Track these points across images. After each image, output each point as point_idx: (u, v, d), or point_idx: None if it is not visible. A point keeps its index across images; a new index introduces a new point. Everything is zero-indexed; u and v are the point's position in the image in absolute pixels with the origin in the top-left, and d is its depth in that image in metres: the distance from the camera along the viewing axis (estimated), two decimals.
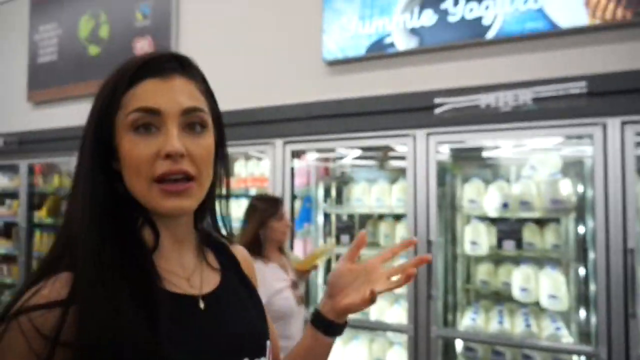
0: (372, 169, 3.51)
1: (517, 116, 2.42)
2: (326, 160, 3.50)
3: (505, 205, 2.71)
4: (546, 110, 2.38)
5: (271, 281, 2.08)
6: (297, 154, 3.07)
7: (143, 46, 3.72)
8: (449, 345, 2.99)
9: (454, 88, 2.59)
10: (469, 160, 3.21)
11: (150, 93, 0.63)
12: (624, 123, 2.27)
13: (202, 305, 0.68)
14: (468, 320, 2.81)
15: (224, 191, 0.77)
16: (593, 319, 2.38)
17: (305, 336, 0.86)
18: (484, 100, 2.49)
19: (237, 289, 0.78)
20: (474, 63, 2.70)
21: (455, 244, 3.09)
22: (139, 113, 0.63)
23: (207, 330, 0.67)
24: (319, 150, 3.14)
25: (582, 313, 2.68)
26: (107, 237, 0.62)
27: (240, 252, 0.86)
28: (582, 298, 2.69)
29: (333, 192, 3.49)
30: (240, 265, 0.83)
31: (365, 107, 2.82)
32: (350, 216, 3.49)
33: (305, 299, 2.58)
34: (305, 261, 2.49)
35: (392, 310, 3.07)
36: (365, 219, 3.53)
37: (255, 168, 3.35)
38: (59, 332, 0.54)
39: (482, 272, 3.05)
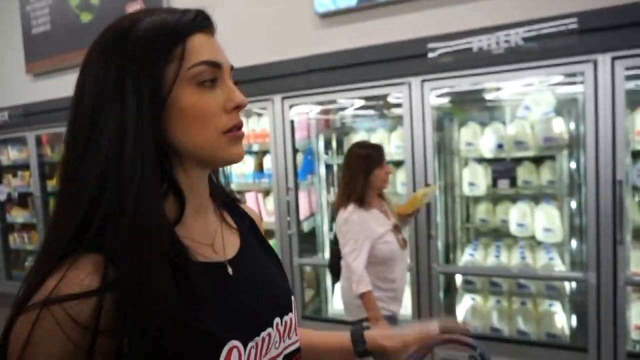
0: (372, 118, 3.57)
1: (509, 58, 2.45)
2: (326, 112, 3.56)
3: (500, 146, 2.80)
4: (537, 50, 2.41)
5: (374, 227, 2.10)
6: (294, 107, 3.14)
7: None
8: (450, 281, 3.18)
9: (446, 33, 2.61)
10: (465, 104, 3.27)
11: (209, 47, 0.63)
12: (614, 59, 2.30)
13: (230, 270, 0.68)
14: (467, 256, 2.99)
15: None
16: (584, 248, 2.53)
17: (337, 344, 0.91)
18: (476, 43, 2.52)
19: (256, 248, 0.78)
20: (464, 7, 2.69)
21: (454, 186, 3.21)
22: (205, 66, 0.62)
23: (238, 296, 0.66)
24: (318, 104, 3.20)
25: (574, 243, 2.84)
26: (159, 210, 0.58)
27: (250, 210, 0.86)
28: (575, 229, 2.83)
29: (334, 144, 3.58)
30: (255, 223, 0.83)
31: (359, 57, 2.84)
32: None
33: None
34: (408, 204, 2.39)
35: None
36: None
37: (256, 124, 3.43)
38: (98, 321, 0.52)
39: (481, 211, 3.19)
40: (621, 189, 2.33)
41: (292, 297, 0.77)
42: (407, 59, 2.72)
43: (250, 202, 3.45)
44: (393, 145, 3.19)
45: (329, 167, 3.56)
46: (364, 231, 2.07)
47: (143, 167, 0.57)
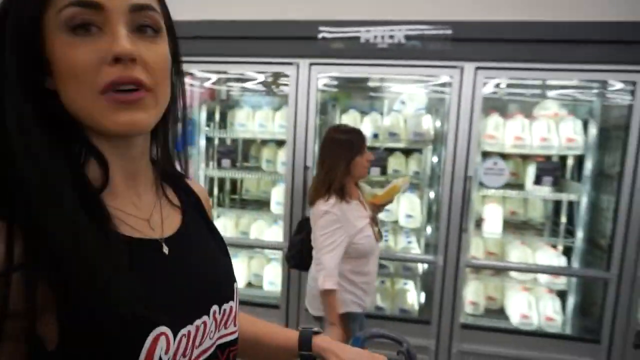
0: (260, 94, 3.53)
1: (392, 53, 2.61)
2: (211, 82, 3.41)
3: (375, 136, 2.99)
4: (416, 49, 2.60)
5: (354, 220, 1.96)
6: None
7: None
8: None
9: (338, 20, 2.67)
10: (350, 90, 3.40)
11: None
12: (477, 68, 2.59)
13: (165, 250, 0.60)
14: None
15: (179, 115, 0.65)
16: (437, 234, 2.85)
17: (283, 342, 0.84)
18: (364, 34, 2.62)
19: (200, 228, 0.70)
20: None
21: None
22: (74, 7, 0.50)
23: (173, 277, 0.59)
24: (204, 71, 3.06)
25: (429, 229, 3.18)
26: (49, 174, 0.50)
27: (197, 186, 0.77)
28: (432, 217, 3.17)
29: (217, 116, 3.46)
30: (201, 201, 0.75)
31: (250, 31, 2.77)
32: (234, 140, 3.53)
33: None
34: (386, 194, 2.30)
35: (270, 230, 3.29)
36: (248, 144, 3.60)
37: None
38: (6, 304, 0.45)
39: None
40: (470, 184, 2.66)
41: (235, 284, 0.70)
42: (297, 40, 2.73)
43: None
44: (277, 124, 3.20)
45: (210, 140, 3.44)
46: (345, 227, 1.93)
47: (23, 130, 0.49)
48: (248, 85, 3.38)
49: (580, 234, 2.98)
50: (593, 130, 2.89)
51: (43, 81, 0.53)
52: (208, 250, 0.69)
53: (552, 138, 2.77)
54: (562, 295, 3.06)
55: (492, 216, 3.01)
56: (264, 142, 3.46)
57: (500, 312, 3.10)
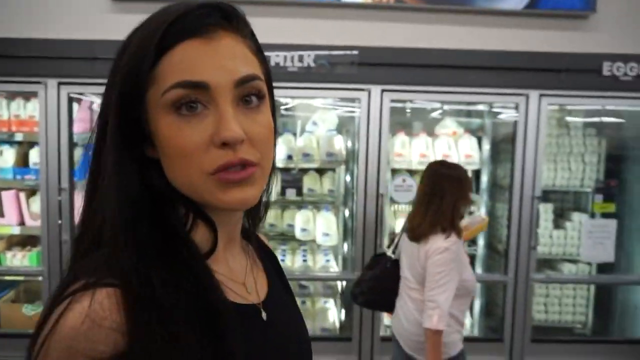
0: None
1: (302, 76, 2.66)
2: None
3: (289, 157, 3.01)
4: (325, 73, 2.68)
5: (462, 257, 1.85)
6: (75, 98, 2.75)
7: None
8: None
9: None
10: None
11: (192, 60, 0.48)
12: (383, 91, 2.73)
13: (264, 315, 0.59)
14: None
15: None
16: (354, 250, 2.92)
17: None
18: (274, 58, 2.65)
19: (280, 286, 0.69)
20: (265, 20, 2.80)
21: None
22: (180, 90, 0.47)
23: (273, 344, 0.59)
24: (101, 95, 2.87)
25: (346, 246, 3.25)
26: (150, 246, 0.49)
27: (264, 238, 0.75)
28: (348, 234, 3.25)
29: None
30: (275, 256, 0.74)
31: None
32: None
33: None
34: (475, 230, 2.26)
35: None
36: None
37: (21, 110, 2.87)
38: None
39: (270, 216, 3.36)
40: (382, 201, 2.78)
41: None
42: None
43: (9, 202, 2.86)
44: None
45: None
46: (459, 265, 1.81)
47: (125, 208, 0.49)
48: None
49: (481, 241, 3.24)
50: (486, 146, 3.17)
51: (144, 149, 0.52)
52: (292, 311, 0.68)
53: (452, 154, 3.00)
54: None
55: None
56: None
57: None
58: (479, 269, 3.26)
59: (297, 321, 0.67)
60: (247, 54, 0.52)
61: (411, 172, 3.09)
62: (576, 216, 3.27)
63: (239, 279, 0.59)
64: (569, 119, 3.21)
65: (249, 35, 0.54)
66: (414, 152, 3.01)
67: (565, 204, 3.50)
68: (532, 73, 2.71)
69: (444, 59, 2.68)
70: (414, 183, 2.91)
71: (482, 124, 3.29)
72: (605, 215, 3.07)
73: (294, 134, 3.27)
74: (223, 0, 0.52)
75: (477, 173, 3.28)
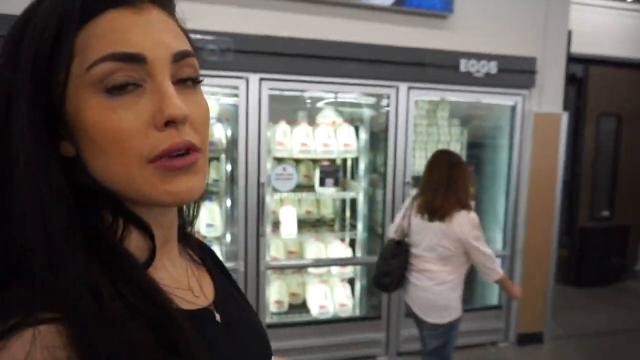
0: None
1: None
2: None
3: None
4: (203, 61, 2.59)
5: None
6: None
7: None
8: None
9: None
10: None
11: (123, 30, 0.41)
12: (261, 79, 2.73)
13: (217, 317, 0.54)
14: None
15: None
16: (236, 240, 2.90)
17: None
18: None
19: (226, 284, 0.64)
20: None
21: None
22: (111, 63, 0.40)
23: (231, 346, 0.54)
24: None
25: (229, 236, 3.22)
26: (92, 266, 0.40)
27: (199, 235, 0.68)
28: (230, 224, 3.21)
29: None
30: (213, 251, 0.68)
31: None
32: None
33: None
34: None
35: None
36: None
37: None
38: None
39: None
40: (263, 189, 2.79)
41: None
42: None
43: None
44: None
45: None
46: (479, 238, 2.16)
47: (44, 211, 0.40)
48: None
49: (360, 226, 3.41)
50: (363, 135, 3.34)
51: (58, 148, 0.43)
52: (244, 307, 0.64)
53: (332, 143, 3.11)
54: (351, 282, 3.45)
55: (288, 218, 3.21)
56: None
57: (303, 306, 3.34)
58: (359, 252, 3.43)
59: (250, 316, 0.64)
60: (179, 30, 0.47)
61: (297, 161, 3.15)
62: None
63: (183, 285, 0.53)
64: (435, 110, 3.50)
65: (174, 14, 0.49)
66: (295, 140, 3.06)
67: None
68: (401, 66, 2.90)
69: (321, 50, 2.75)
70: (294, 172, 2.96)
71: (359, 113, 3.45)
72: None
73: None
74: None
75: (355, 161, 3.44)
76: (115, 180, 0.44)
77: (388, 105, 3.00)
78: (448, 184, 2.14)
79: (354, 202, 3.49)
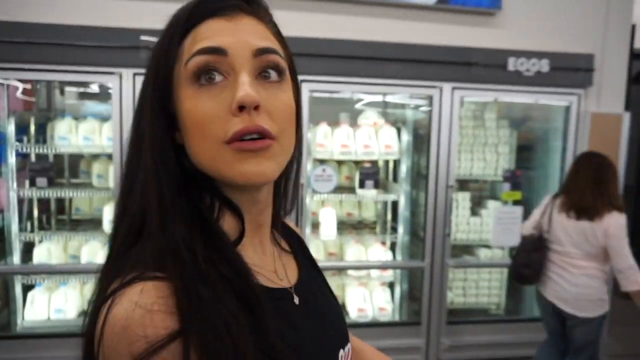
0: (84, 104, 3.25)
1: None
2: (25, 91, 3.04)
3: None
4: None
5: None
6: None
7: None
8: None
9: (161, 30, 2.59)
10: None
11: (214, 32, 0.50)
12: (301, 81, 2.75)
13: (296, 300, 0.59)
14: None
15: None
16: None
17: None
18: None
19: (311, 272, 0.68)
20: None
21: None
22: (200, 56, 0.49)
23: (306, 328, 0.58)
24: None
25: None
26: (193, 230, 0.49)
27: (292, 224, 0.74)
28: None
29: (32, 128, 3.09)
30: (304, 242, 0.73)
31: (65, 37, 2.54)
32: (58, 156, 3.19)
33: None
34: None
35: (104, 251, 3.04)
36: (75, 158, 3.29)
37: None
38: None
39: None
40: (303, 191, 2.80)
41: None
42: (118, 49, 2.58)
43: None
44: (105, 137, 2.97)
45: (25, 157, 3.05)
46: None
47: (160, 188, 0.50)
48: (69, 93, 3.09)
49: (401, 229, 3.35)
50: (406, 137, 3.27)
51: (174, 137, 0.53)
52: (325, 294, 0.68)
53: (373, 145, 3.07)
54: (391, 286, 3.40)
55: (328, 219, 3.21)
56: (95, 156, 3.20)
57: (343, 309, 3.32)
58: (399, 256, 3.37)
59: (331, 304, 0.67)
60: (268, 34, 0.54)
61: (339, 163, 3.13)
62: (491, 204, 3.45)
63: (269, 267, 0.59)
64: (482, 111, 3.37)
65: (270, 22, 0.57)
66: (336, 142, 3.06)
67: (482, 192, 3.68)
68: (444, 66, 2.81)
69: (362, 51, 2.73)
70: (334, 173, 2.95)
71: (402, 115, 3.39)
72: (515, 203, 3.26)
73: None
74: None
75: (397, 163, 3.38)
76: (202, 161, 0.51)
77: (430, 106, 2.92)
78: (597, 185, 2.21)
79: (395, 204, 3.43)
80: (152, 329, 0.43)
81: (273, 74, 0.52)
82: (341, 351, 0.63)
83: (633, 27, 3.16)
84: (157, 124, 0.51)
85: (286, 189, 0.64)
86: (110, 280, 0.47)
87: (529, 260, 2.37)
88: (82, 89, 3.38)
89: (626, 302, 4.43)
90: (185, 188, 0.52)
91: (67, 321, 3.00)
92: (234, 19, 0.52)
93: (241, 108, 0.48)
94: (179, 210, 0.50)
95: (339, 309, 0.69)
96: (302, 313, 0.59)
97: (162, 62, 0.52)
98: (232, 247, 0.53)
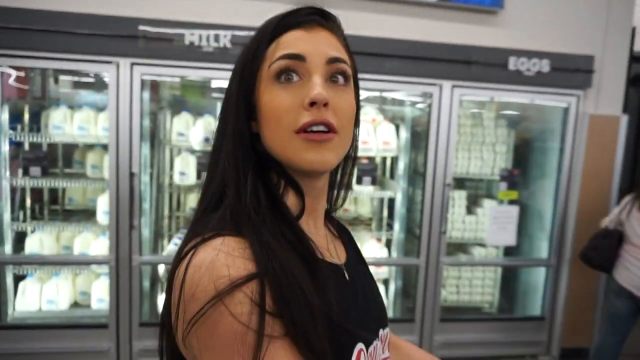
0: (78, 93, 3.20)
1: (218, 57, 2.59)
2: (19, 79, 2.98)
3: (207, 139, 2.94)
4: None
5: None
6: None
7: None
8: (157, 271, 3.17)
9: (161, 19, 2.55)
10: (186, 91, 3.29)
11: (295, 41, 0.60)
12: None
13: (346, 275, 0.67)
14: (173, 245, 3.03)
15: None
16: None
17: None
18: (188, 36, 2.56)
19: (357, 260, 0.76)
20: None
21: (163, 175, 3.19)
22: (282, 60, 0.59)
23: (356, 300, 0.66)
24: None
25: None
26: (262, 200, 0.59)
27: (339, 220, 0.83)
28: None
29: (26, 117, 3.04)
30: (351, 235, 0.82)
31: (64, 24, 2.49)
32: (52, 145, 3.14)
33: None
34: None
35: (97, 242, 3.01)
36: (70, 148, 3.24)
37: None
38: (264, 301, 0.50)
39: (192, 200, 3.28)
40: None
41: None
42: (116, 38, 2.54)
43: None
44: (100, 127, 2.93)
45: (18, 145, 3.01)
46: None
47: (237, 166, 0.60)
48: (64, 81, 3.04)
49: (397, 226, 3.34)
50: (404, 134, 3.26)
51: (250, 126, 0.62)
52: (369, 277, 0.75)
53: (371, 141, 3.06)
54: (386, 282, 3.40)
55: None
56: (89, 146, 3.16)
57: None
58: (394, 253, 3.37)
59: (374, 287, 0.74)
60: (339, 45, 0.64)
61: None
62: (487, 203, 3.46)
63: (322, 245, 0.66)
64: (481, 110, 3.36)
65: (341, 36, 0.66)
66: None
67: (478, 191, 3.68)
68: (445, 64, 2.80)
69: (362, 46, 2.70)
70: None
71: (400, 112, 3.37)
72: (511, 202, 3.27)
73: (215, 116, 3.19)
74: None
75: (395, 160, 3.37)
76: (273, 146, 0.60)
77: (430, 104, 2.91)
78: None
79: (392, 201, 3.42)
80: (234, 269, 0.50)
81: (340, 79, 0.61)
82: (381, 330, 0.70)
83: (633, 30, 3.17)
84: (239, 114, 0.60)
85: (341, 182, 0.72)
86: (189, 240, 0.56)
87: (597, 245, 2.68)
88: (76, 78, 3.33)
89: None
90: (258, 167, 0.61)
91: (58, 312, 2.98)
92: (312, 31, 0.62)
93: (312, 104, 0.57)
94: (252, 185, 0.59)
95: (380, 295, 0.75)
96: (351, 289, 0.66)
97: (249, 63, 0.61)
98: (295, 218, 0.61)
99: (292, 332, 0.50)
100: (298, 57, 0.59)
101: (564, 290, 3.20)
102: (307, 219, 0.65)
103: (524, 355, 3.28)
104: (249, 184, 0.59)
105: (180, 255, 0.55)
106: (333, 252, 0.68)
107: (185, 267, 0.52)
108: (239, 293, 0.49)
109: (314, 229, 0.67)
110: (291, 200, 0.63)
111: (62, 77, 3.35)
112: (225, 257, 0.51)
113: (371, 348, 0.64)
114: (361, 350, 0.61)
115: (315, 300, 0.53)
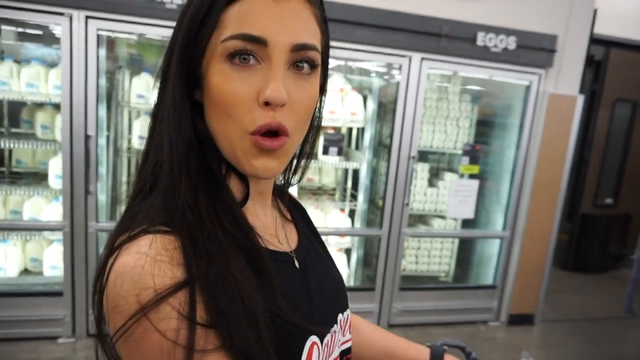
0: (24, 46, 2.96)
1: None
2: None
3: None
4: None
5: None
6: None
7: None
8: None
9: None
10: (146, 50, 3.11)
11: (257, 14, 0.49)
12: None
13: (297, 263, 0.62)
14: None
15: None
16: None
17: (414, 356, 0.82)
18: None
19: (311, 239, 0.71)
20: None
21: (121, 139, 3.04)
22: (239, 41, 0.49)
23: (307, 290, 0.61)
24: None
25: None
26: (200, 188, 0.52)
27: (296, 198, 0.76)
28: None
29: None
30: (305, 211, 0.76)
31: None
32: None
33: None
34: None
35: (49, 207, 2.86)
36: (16, 106, 3.02)
37: None
38: (194, 312, 0.45)
39: None
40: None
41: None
42: None
43: None
44: (51, 84, 2.74)
45: None
46: None
47: (173, 143, 0.51)
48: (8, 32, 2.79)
49: (361, 197, 3.38)
50: (371, 105, 3.25)
51: (193, 94, 0.54)
52: (324, 261, 0.70)
53: (338, 111, 3.03)
54: (348, 252, 3.45)
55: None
56: (39, 105, 2.95)
57: None
58: (358, 223, 3.42)
59: (330, 270, 0.69)
60: (312, 21, 0.53)
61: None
62: (448, 176, 3.54)
63: (270, 231, 0.61)
64: (446, 85, 3.39)
65: (318, 4, 0.55)
66: None
67: (440, 164, 3.76)
68: (416, 35, 2.78)
69: (331, 12, 2.63)
70: None
71: (368, 82, 3.35)
72: (471, 177, 3.37)
73: None
74: None
75: (361, 131, 3.37)
76: (221, 139, 0.53)
77: (397, 76, 2.90)
78: None
79: (356, 172, 3.44)
80: (159, 278, 0.44)
81: (306, 67, 0.53)
82: (340, 315, 0.66)
83: (595, 12, 3.25)
84: (180, 86, 0.52)
85: (302, 151, 0.65)
86: (118, 233, 0.49)
87: None
88: (22, 29, 3.07)
89: (561, 272, 4.80)
90: (197, 147, 0.53)
91: (7, 279, 2.84)
92: (282, 3, 0.51)
93: (266, 103, 0.50)
94: (189, 168, 0.51)
95: (338, 276, 0.71)
96: (302, 276, 0.61)
97: (198, 25, 0.51)
98: (238, 206, 0.55)
99: (229, 344, 0.45)
100: (258, 41, 0.49)
101: (515, 261, 3.37)
102: (252, 203, 0.59)
103: (476, 322, 3.46)
104: (185, 168, 0.51)
105: (107, 251, 0.48)
106: (282, 238, 0.63)
107: (108, 271, 0.46)
108: (165, 306, 0.43)
109: (262, 214, 0.61)
110: (233, 183, 0.57)
111: (4, 27, 3.08)
112: (150, 265, 0.44)
113: (327, 337, 0.61)
114: (314, 343, 0.57)
115: (257, 305, 0.47)
